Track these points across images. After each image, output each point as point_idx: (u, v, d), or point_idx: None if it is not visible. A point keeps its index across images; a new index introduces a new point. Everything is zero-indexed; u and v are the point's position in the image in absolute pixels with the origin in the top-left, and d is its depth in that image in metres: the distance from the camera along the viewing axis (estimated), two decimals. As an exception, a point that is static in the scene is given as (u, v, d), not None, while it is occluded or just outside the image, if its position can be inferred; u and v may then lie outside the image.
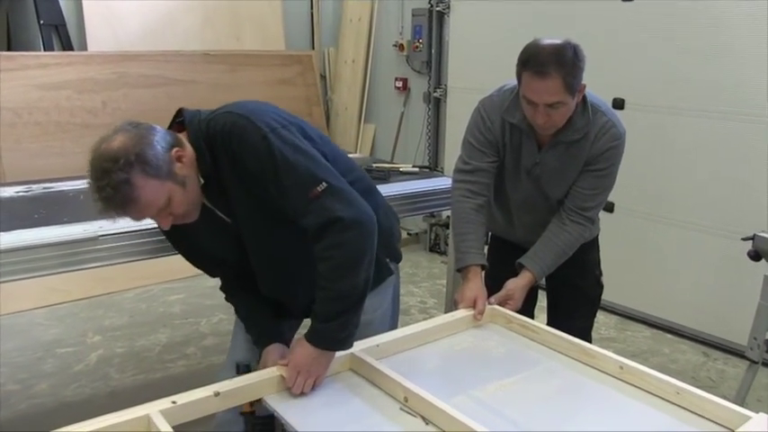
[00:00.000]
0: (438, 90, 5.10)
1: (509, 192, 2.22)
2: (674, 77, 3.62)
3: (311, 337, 1.56)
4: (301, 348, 1.55)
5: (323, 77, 5.98)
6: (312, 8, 5.91)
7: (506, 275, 2.09)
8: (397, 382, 1.52)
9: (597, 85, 4.23)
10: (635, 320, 3.97)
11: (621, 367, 1.64)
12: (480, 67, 4.59)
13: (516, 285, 2.04)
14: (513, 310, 1.97)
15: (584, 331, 2.31)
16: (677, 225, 3.69)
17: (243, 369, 1.74)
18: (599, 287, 2.40)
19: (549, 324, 1.95)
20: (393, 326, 1.95)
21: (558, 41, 1.88)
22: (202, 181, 1.60)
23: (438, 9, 4.98)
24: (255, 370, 1.70)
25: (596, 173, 2.05)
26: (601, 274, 2.40)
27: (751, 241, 2.26)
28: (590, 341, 2.14)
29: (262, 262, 1.75)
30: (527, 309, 2.20)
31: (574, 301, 2.36)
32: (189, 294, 4.29)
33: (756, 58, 3.28)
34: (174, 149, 1.52)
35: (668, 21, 3.59)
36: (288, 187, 1.52)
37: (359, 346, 1.69)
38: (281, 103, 5.65)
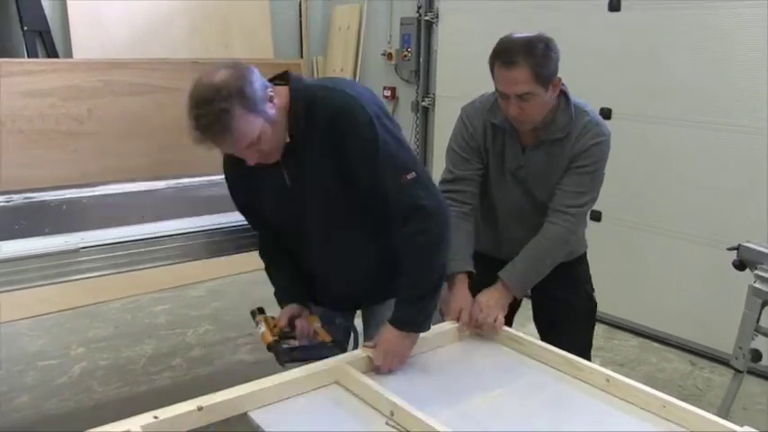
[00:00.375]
0: (426, 99, 5.11)
1: (496, 200, 2.17)
2: (660, 87, 3.63)
3: (394, 321, 1.70)
4: (387, 332, 1.69)
5: (311, 86, 5.97)
6: (301, 16, 5.92)
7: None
8: (382, 395, 1.51)
9: (584, 94, 4.23)
10: (622, 329, 3.96)
11: (608, 380, 1.64)
12: (469, 77, 4.56)
13: (486, 296, 1.94)
14: (490, 329, 1.89)
15: (582, 349, 2.18)
16: (664, 234, 3.70)
17: (257, 312, 1.89)
18: (592, 303, 2.33)
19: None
20: None
21: (529, 34, 1.91)
22: (288, 139, 1.68)
23: (426, 18, 4.99)
24: (272, 318, 1.86)
25: (579, 170, 2.00)
26: (593, 290, 2.33)
27: (736, 251, 2.27)
28: (589, 359, 2.11)
29: (312, 232, 1.84)
30: (507, 318, 2.05)
31: (566, 318, 2.26)
32: (175, 305, 4.25)
33: (739, 68, 3.31)
34: (269, 90, 1.62)
35: (654, 31, 3.62)
36: (383, 172, 1.65)
37: (344, 359, 1.69)
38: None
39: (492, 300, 1.93)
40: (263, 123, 1.59)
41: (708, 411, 2.98)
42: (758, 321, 2.19)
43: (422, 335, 1.84)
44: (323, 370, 1.65)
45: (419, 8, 5.03)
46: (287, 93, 1.69)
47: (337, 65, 5.76)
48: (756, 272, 2.18)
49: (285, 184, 1.76)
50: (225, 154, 1.76)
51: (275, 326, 1.84)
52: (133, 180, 3.07)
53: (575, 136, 1.99)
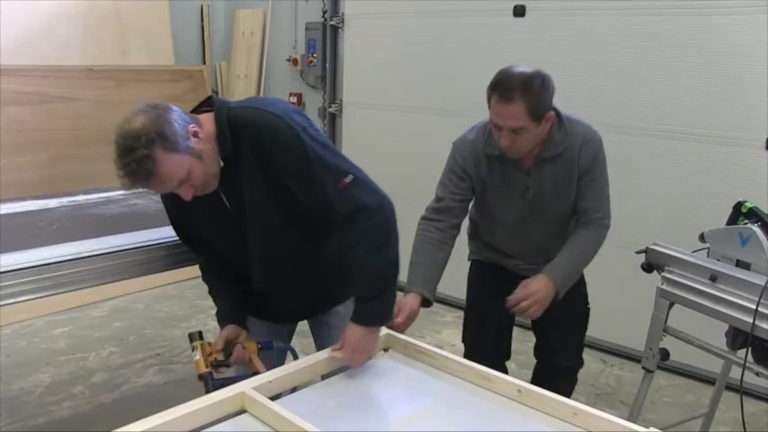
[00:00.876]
0: (333, 105, 5.04)
1: (500, 223, 2.27)
2: (566, 92, 3.69)
3: (357, 318, 1.73)
4: (351, 331, 1.72)
5: (215, 93, 5.80)
6: (202, 21, 5.74)
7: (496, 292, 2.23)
8: (295, 424, 1.44)
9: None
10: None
11: (519, 390, 1.63)
12: (375, 82, 4.58)
13: (531, 282, 2.09)
14: (534, 315, 2.10)
15: (576, 352, 2.51)
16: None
17: (196, 336, 1.87)
18: (587, 307, 2.47)
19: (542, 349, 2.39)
20: None
21: (528, 70, 1.99)
22: (222, 163, 1.72)
23: (332, 23, 4.93)
24: (209, 344, 1.85)
25: (594, 183, 2.14)
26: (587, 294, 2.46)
27: (644, 254, 2.32)
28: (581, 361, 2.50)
29: (257, 251, 1.86)
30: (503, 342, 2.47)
31: (565, 321, 2.38)
32: (75, 327, 4.01)
33: (630, 71, 3.45)
34: (190, 126, 1.65)
35: (557, 36, 3.71)
36: (318, 180, 1.67)
37: (250, 384, 1.61)
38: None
39: (541, 293, 2.08)
40: (190, 159, 1.63)
41: (620, 408, 3.08)
42: (666, 322, 2.25)
43: (319, 359, 1.83)
44: (228, 397, 1.57)
45: (324, 13, 4.97)
46: (212, 119, 1.71)
47: (241, 71, 5.62)
48: (664, 274, 2.24)
49: (226, 208, 1.80)
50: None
51: (210, 353, 1.84)
52: (23, 199, 2.86)
53: (577, 148, 2.10)
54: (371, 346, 1.77)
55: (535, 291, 2.09)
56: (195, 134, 1.65)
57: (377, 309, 1.74)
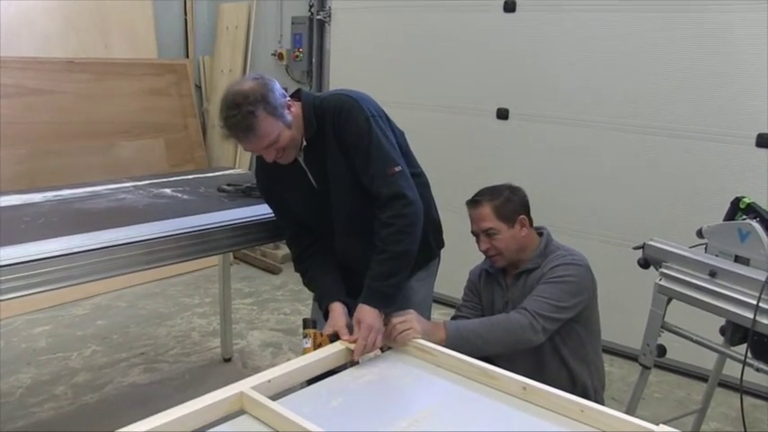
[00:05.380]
0: (320, 100, 4.98)
1: None
2: (555, 88, 3.71)
3: (366, 298, 1.86)
4: (364, 311, 1.84)
5: (198, 87, 5.73)
6: (186, 14, 5.65)
7: None
8: (297, 424, 1.40)
9: (481, 94, 4.26)
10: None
11: (524, 388, 1.61)
12: (363, 78, 4.52)
13: (422, 325, 1.90)
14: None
15: None
16: (567, 233, 3.73)
17: (310, 324, 1.96)
18: None
19: None
20: (431, 303, 2.33)
21: (497, 184, 2.23)
22: (305, 143, 1.98)
23: (319, 17, 4.88)
24: (321, 330, 1.92)
25: (544, 281, 2.10)
26: None
27: (641, 250, 2.31)
28: None
29: (340, 220, 2.08)
30: None
31: None
32: (56, 325, 3.91)
33: (632, 68, 3.44)
34: (286, 99, 1.92)
35: (548, 32, 3.70)
36: (373, 160, 1.91)
37: (248, 384, 1.57)
38: (154, 114, 5.31)
39: (425, 332, 1.88)
40: (282, 126, 1.88)
41: (612, 405, 3.07)
42: (663, 318, 2.23)
43: (333, 349, 1.82)
44: (226, 396, 1.53)
45: (311, 7, 4.92)
46: (299, 105, 1.97)
47: (225, 65, 5.54)
48: (661, 269, 2.22)
49: (312, 186, 2.05)
50: (257, 167, 2.15)
51: (320, 344, 1.89)
52: (5, 193, 2.77)
53: (545, 264, 2.15)
54: (381, 329, 1.84)
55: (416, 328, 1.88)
56: (288, 107, 1.91)
57: (387, 289, 1.87)
